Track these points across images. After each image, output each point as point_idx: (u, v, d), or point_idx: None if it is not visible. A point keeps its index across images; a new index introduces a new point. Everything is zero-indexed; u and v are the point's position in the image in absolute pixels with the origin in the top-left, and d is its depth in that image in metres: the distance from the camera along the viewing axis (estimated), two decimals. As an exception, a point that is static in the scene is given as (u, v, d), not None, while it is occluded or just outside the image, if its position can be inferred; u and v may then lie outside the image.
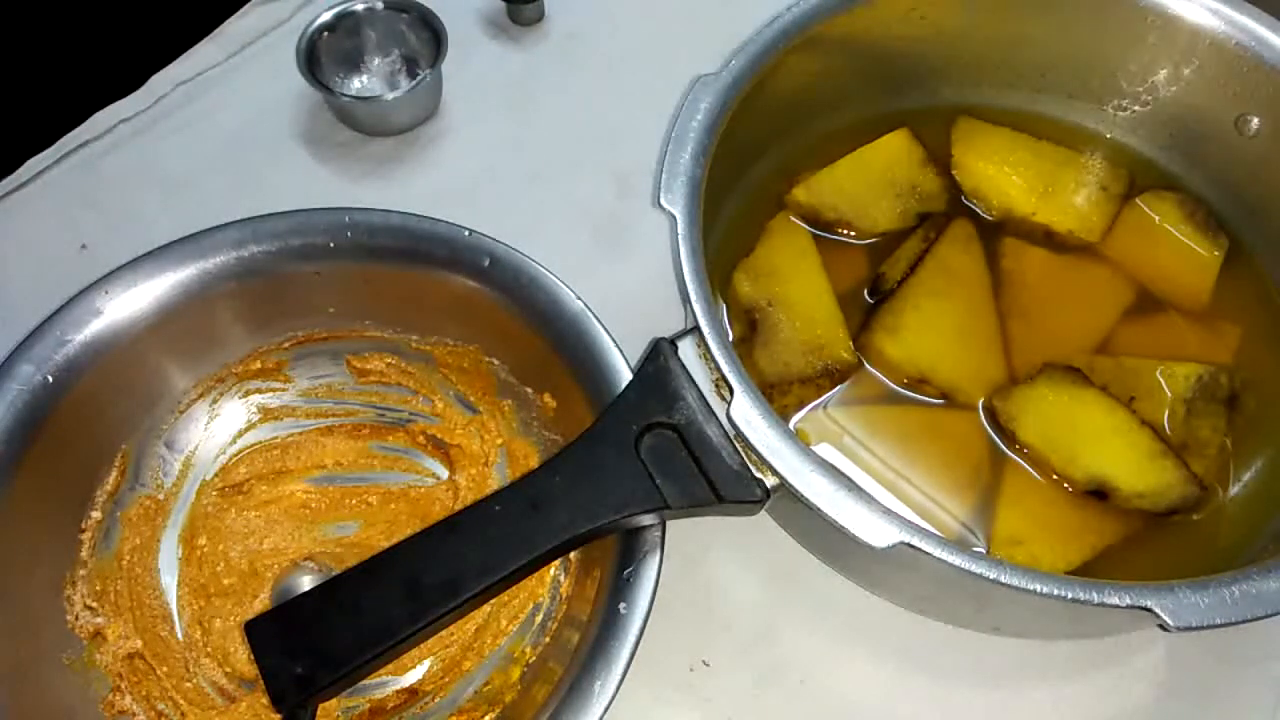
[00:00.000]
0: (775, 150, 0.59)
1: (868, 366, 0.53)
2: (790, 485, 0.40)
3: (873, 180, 0.58)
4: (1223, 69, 0.54)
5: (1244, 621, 0.38)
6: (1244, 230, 0.57)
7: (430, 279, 0.53)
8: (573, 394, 0.51)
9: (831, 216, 0.57)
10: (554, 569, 0.53)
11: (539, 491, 0.41)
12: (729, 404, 0.41)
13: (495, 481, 0.55)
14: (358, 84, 0.69)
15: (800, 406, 0.52)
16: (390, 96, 0.65)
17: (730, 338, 0.46)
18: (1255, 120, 0.53)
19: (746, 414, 0.41)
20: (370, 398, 0.58)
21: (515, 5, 0.71)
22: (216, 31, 0.72)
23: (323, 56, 0.67)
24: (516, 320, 0.52)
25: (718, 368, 0.42)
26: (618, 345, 0.50)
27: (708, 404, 0.43)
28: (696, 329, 0.43)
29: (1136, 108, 0.59)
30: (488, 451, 0.56)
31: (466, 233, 0.53)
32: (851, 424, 0.52)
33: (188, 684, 0.51)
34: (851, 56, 0.56)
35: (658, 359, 0.44)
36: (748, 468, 0.42)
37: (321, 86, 0.65)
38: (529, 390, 0.54)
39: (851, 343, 0.53)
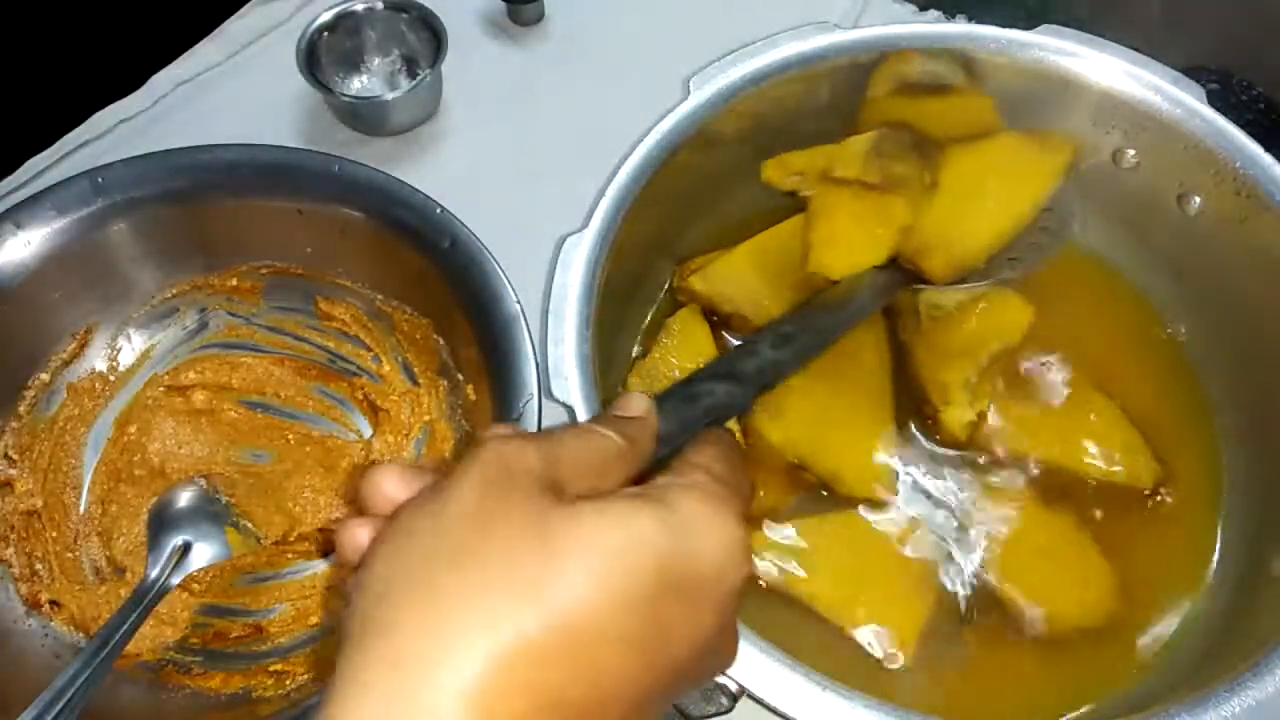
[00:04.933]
0: (677, 244, 0.56)
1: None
2: (753, 694, 0.38)
3: (769, 268, 0.54)
4: (1164, 147, 0.52)
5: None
6: (1185, 316, 0.55)
7: (398, 244, 0.54)
8: (485, 393, 0.51)
9: (728, 309, 0.54)
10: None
11: None
12: None
13: (410, 455, 0.57)
14: (358, 84, 0.69)
15: None
16: (390, 96, 0.65)
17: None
18: (1196, 199, 0.51)
19: None
20: (328, 341, 0.59)
21: (515, 5, 0.71)
22: (216, 31, 0.72)
23: (323, 56, 0.67)
24: (458, 307, 0.52)
25: None
26: (536, 360, 0.49)
27: None
28: None
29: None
30: (413, 424, 0.57)
31: (438, 209, 0.53)
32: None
33: (69, 554, 0.54)
34: (742, 144, 0.54)
35: None
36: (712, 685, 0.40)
37: (321, 86, 0.65)
38: (460, 377, 0.55)
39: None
